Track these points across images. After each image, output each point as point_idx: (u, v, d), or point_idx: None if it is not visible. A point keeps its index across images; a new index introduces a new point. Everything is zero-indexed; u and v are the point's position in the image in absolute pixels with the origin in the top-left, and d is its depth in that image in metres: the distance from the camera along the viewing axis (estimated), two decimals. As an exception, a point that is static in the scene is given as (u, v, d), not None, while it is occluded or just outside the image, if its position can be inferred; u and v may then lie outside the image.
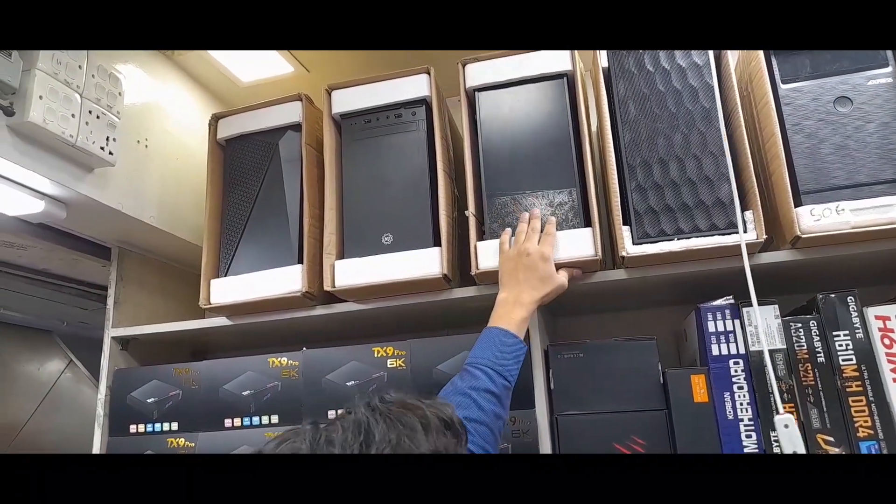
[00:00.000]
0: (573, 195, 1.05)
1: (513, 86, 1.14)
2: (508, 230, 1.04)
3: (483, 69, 1.15)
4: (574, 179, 1.06)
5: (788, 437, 0.86)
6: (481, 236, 1.07)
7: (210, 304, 1.17)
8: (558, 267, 0.99)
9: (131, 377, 1.24)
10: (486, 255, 1.05)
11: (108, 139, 1.09)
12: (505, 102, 1.13)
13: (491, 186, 1.09)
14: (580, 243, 1.02)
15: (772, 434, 0.91)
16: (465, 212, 1.09)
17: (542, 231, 1.01)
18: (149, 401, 1.21)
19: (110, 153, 1.09)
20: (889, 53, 1.01)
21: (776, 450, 0.90)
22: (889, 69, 1.00)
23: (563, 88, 1.11)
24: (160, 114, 1.33)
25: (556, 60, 1.12)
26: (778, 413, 0.88)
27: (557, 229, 1.03)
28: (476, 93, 1.15)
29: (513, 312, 0.93)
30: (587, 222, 1.04)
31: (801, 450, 0.85)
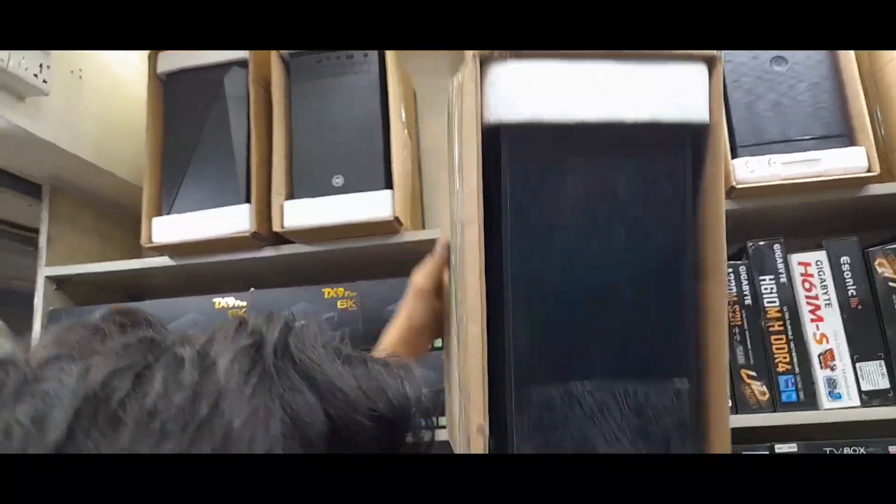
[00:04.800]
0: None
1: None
2: None
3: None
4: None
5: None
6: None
7: (152, 242, 1.14)
8: None
9: (67, 317, 1.20)
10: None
11: (41, 66, 1.03)
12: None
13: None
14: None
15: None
16: None
17: None
18: (86, 342, 1.17)
19: (44, 81, 1.03)
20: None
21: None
22: (822, 31, 1.06)
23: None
24: (94, 44, 1.26)
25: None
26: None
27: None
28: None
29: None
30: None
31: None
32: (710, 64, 0.55)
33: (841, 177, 0.98)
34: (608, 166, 0.57)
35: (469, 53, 0.54)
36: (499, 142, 0.56)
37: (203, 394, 0.25)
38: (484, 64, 0.55)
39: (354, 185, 1.08)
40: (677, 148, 0.58)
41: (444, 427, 0.86)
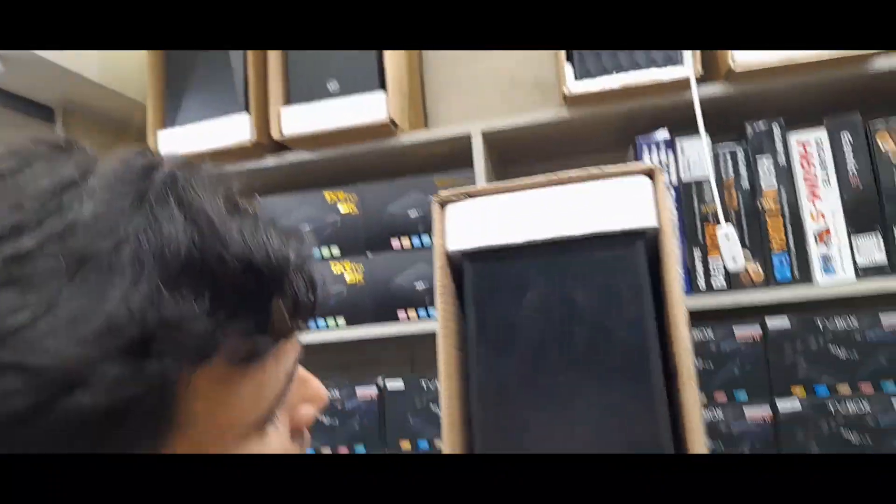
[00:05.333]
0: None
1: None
2: None
3: None
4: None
5: (728, 248, 0.92)
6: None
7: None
8: None
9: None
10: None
11: (36, -18, 1.05)
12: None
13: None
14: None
15: (695, 253, 0.99)
16: None
17: None
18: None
19: (40, -3, 1.05)
20: None
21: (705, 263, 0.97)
22: None
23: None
24: (91, -36, 1.27)
25: None
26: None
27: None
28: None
29: None
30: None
31: (740, 259, 0.91)
32: (651, 175, 0.58)
33: (844, 53, 0.94)
34: (563, 276, 0.63)
35: (433, 198, 0.62)
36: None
37: (70, 186, 0.26)
38: (443, 205, 0.64)
39: (349, 89, 1.09)
40: (630, 253, 0.62)
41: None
